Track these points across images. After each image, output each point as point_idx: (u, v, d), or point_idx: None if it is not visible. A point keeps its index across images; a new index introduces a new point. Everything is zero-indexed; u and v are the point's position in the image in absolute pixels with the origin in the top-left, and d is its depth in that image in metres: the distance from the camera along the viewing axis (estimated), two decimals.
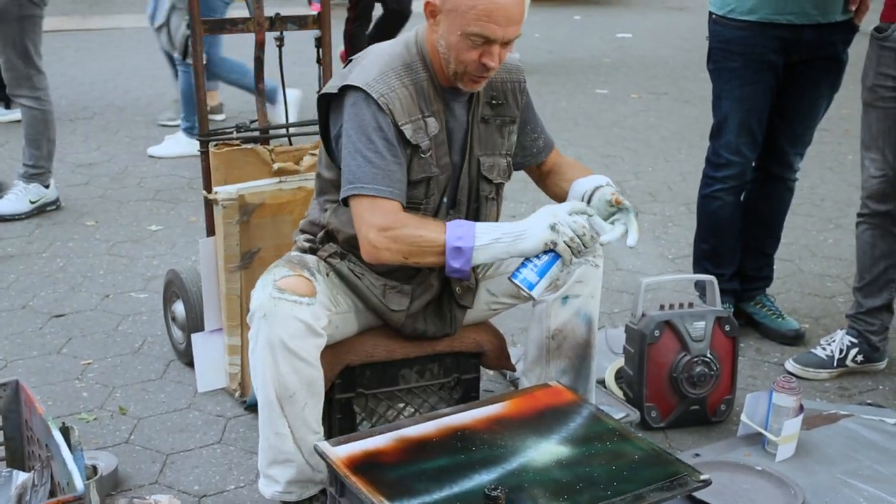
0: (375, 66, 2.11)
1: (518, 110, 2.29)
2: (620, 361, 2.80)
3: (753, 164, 3.13)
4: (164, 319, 3.07)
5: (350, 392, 2.33)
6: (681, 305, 2.68)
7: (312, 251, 2.27)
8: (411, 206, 2.16)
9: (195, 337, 2.79)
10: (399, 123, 2.08)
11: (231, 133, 2.78)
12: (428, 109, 2.13)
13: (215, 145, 2.69)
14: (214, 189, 2.65)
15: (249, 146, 2.71)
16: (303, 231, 2.33)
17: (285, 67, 2.86)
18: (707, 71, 3.12)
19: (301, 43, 4.51)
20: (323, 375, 2.14)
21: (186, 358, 2.91)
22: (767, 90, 2.99)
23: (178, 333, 2.97)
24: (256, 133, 2.80)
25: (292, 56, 3.13)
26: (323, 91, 2.20)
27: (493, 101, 2.23)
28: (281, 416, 2.10)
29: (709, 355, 2.62)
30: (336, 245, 2.24)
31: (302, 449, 2.11)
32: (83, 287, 3.54)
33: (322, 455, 1.92)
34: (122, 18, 9.57)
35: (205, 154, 2.71)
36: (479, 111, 2.21)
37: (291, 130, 2.87)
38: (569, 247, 2.01)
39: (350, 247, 2.21)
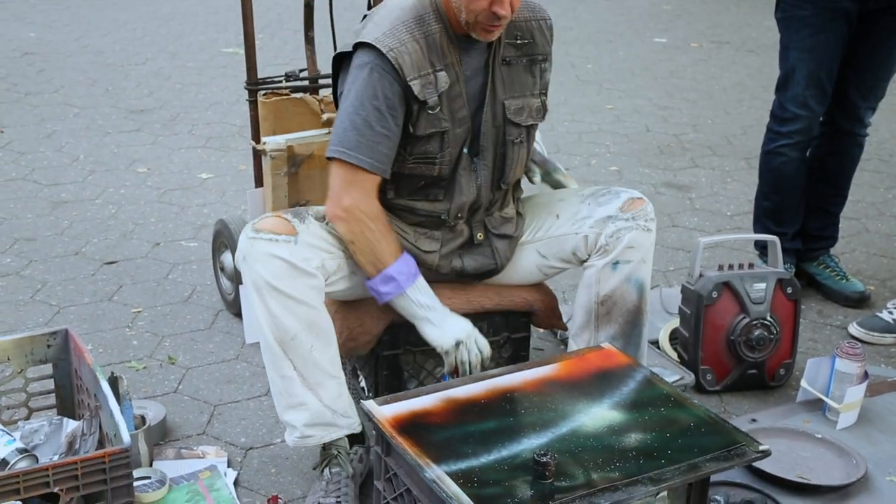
0: (387, 21, 2.07)
1: (548, 46, 2.23)
2: (675, 322, 2.72)
3: (821, 118, 3.00)
4: (213, 269, 3.05)
5: (396, 349, 2.29)
6: (740, 266, 2.59)
7: None
8: (425, 161, 2.11)
9: (243, 288, 2.76)
10: (407, 78, 2.03)
11: (280, 82, 2.72)
12: (440, 62, 2.08)
13: (264, 94, 2.64)
14: (263, 139, 2.60)
15: (298, 96, 2.66)
16: None
17: (335, 14, 2.78)
18: (774, 19, 2.98)
19: None
20: (328, 318, 2.09)
21: (235, 308, 2.90)
22: (839, 40, 2.85)
23: (226, 284, 2.96)
24: (306, 82, 2.74)
25: (343, 3, 3.05)
26: (338, 51, 2.16)
27: (518, 41, 2.17)
28: (284, 358, 2.06)
29: (769, 318, 2.53)
30: None
31: (317, 392, 2.08)
32: (134, 234, 3.54)
33: (368, 414, 1.88)
34: None
35: (253, 103, 2.66)
36: (499, 53, 2.15)
37: None
38: (454, 365, 2.12)
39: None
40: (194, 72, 5.80)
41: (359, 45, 2.07)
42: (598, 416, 1.90)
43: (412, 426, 1.84)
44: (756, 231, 3.16)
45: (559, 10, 8.14)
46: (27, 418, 2.24)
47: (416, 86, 2.04)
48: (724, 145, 4.74)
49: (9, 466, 1.98)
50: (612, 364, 2.08)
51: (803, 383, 2.49)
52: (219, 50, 6.27)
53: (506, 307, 2.34)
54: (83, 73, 5.75)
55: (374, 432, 1.93)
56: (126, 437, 1.86)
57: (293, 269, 2.01)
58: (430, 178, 2.15)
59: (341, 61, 2.15)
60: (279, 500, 1.91)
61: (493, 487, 1.69)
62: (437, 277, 2.24)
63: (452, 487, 1.67)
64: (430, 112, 2.08)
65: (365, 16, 2.18)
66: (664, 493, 1.83)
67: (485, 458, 1.76)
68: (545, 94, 2.25)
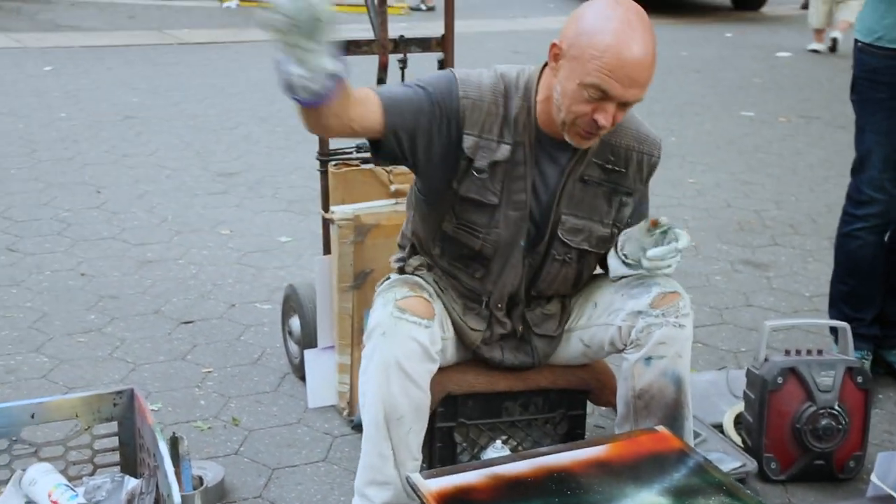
0: (478, 76, 2.09)
1: (640, 184, 2.19)
2: (740, 406, 2.66)
3: None
4: (282, 333, 3.12)
5: (451, 421, 2.30)
6: (808, 352, 2.53)
7: (400, 270, 2.26)
8: (469, 230, 2.11)
9: (308, 353, 2.82)
10: (464, 129, 2.04)
11: (351, 153, 2.80)
12: (509, 137, 2.06)
13: (335, 165, 2.71)
14: (332, 208, 2.67)
15: (368, 167, 2.73)
16: (399, 246, 2.33)
17: None
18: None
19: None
20: (430, 401, 2.11)
21: (300, 372, 2.95)
22: None
23: (293, 348, 3.02)
24: None
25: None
26: None
27: (608, 166, 2.13)
28: (386, 437, 2.08)
29: (837, 408, 2.46)
30: (422, 258, 2.24)
31: (401, 473, 2.09)
32: (212, 295, 3.65)
33: (413, 487, 1.90)
34: None
35: (324, 173, 2.74)
36: (580, 169, 2.12)
37: None
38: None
39: (431, 257, 2.21)
40: (282, 137, 5.99)
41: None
42: (645, 501, 1.87)
43: (456, 501, 1.85)
44: (831, 315, 3.08)
45: None
46: (92, 474, 2.31)
47: (468, 140, 2.04)
48: (806, 223, 4.65)
49: None
50: (664, 448, 2.05)
51: (873, 478, 2.40)
52: None
53: (560, 385, 2.33)
54: (178, 136, 5.98)
55: None
56: (177, 498, 1.91)
57: (424, 354, 2.03)
58: (471, 251, 2.14)
59: None
60: None
61: None
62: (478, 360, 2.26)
63: None
64: (477, 176, 2.06)
65: None
66: None
67: None
68: (618, 228, 2.20)
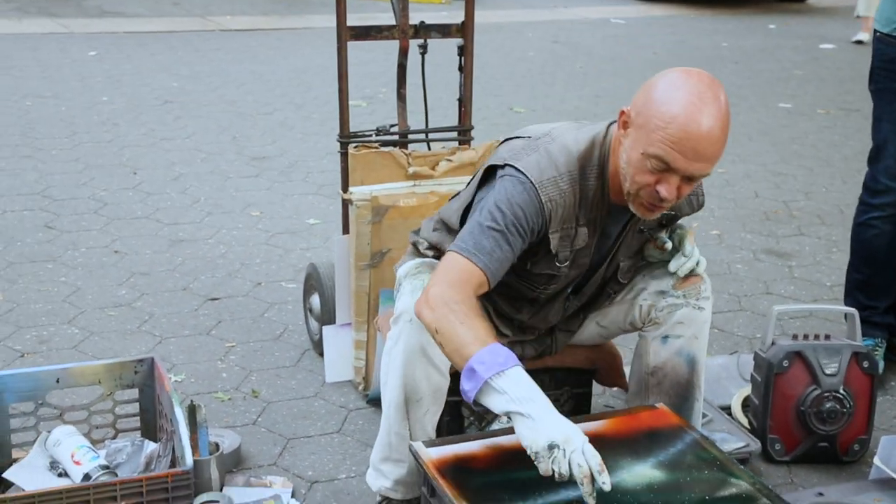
0: (553, 166, 1.99)
1: (682, 214, 2.22)
2: (749, 389, 2.69)
3: None
4: (303, 310, 3.20)
5: (458, 395, 2.35)
6: (816, 336, 2.55)
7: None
8: (528, 285, 2.16)
9: (326, 329, 2.90)
10: (550, 231, 2.01)
11: (371, 136, 2.86)
12: (584, 217, 2.05)
13: (355, 147, 2.79)
14: (350, 189, 2.75)
15: (387, 149, 2.79)
16: (418, 235, 2.37)
17: (427, 74, 2.92)
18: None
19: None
20: (448, 384, 2.16)
21: (320, 349, 3.03)
22: None
23: (314, 325, 3.10)
24: (395, 137, 2.88)
25: (434, 63, 3.19)
26: (491, 163, 2.08)
27: (664, 216, 2.16)
28: (405, 418, 2.13)
29: (842, 391, 2.49)
30: None
31: None
32: (239, 273, 3.74)
33: (415, 455, 1.96)
34: (316, 19, 9.99)
35: (344, 155, 2.81)
36: (639, 222, 2.14)
37: (430, 136, 2.93)
38: (550, 472, 1.72)
39: None
40: (316, 122, 6.08)
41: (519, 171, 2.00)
42: (639, 473, 1.92)
43: (455, 469, 1.91)
44: (847, 304, 3.09)
45: None
46: (113, 438, 2.41)
47: (554, 239, 2.03)
48: (834, 214, 4.64)
49: (91, 481, 2.14)
50: (663, 424, 2.10)
51: (876, 460, 2.42)
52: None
53: (567, 364, 2.38)
54: (215, 121, 6.10)
55: (421, 473, 2.01)
56: (189, 461, 1.99)
57: None
58: (524, 298, 2.21)
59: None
60: None
61: None
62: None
63: None
64: (559, 265, 2.09)
65: (528, 137, 2.09)
66: None
67: None
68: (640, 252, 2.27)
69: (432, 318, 1.89)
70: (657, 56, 8.88)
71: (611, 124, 2.06)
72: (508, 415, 1.78)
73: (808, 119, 6.72)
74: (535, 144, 2.04)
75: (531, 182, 1.97)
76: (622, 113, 1.97)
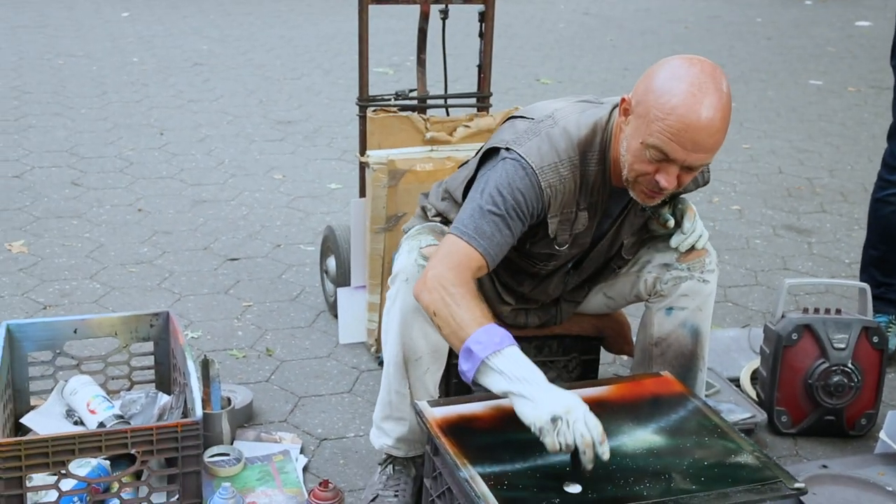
0: (554, 151, 2.00)
1: (686, 190, 2.21)
2: (758, 362, 2.70)
3: None
4: (320, 272, 3.24)
5: None
6: (826, 311, 2.55)
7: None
8: (529, 261, 2.18)
9: (341, 291, 2.94)
10: (549, 215, 2.03)
11: (389, 100, 2.88)
12: (585, 202, 2.07)
13: (373, 110, 2.81)
14: (368, 152, 2.77)
15: (406, 114, 2.81)
16: (427, 199, 2.38)
17: (448, 40, 2.93)
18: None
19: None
20: (448, 344, 2.20)
21: (335, 310, 3.07)
22: None
23: (329, 286, 3.14)
24: (414, 101, 2.90)
25: (454, 28, 3.19)
26: (492, 145, 2.09)
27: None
28: (404, 377, 2.17)
29: (850, 365, 2.49)
30: None
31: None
32: (259, 235, 3.79)
33: (419, 414, 2.00)
34: None
35: (362, 118, 2.83)
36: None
37: (449, 102, 2.94)
38: (557, 447, 1.74)
39: None
40: (343, 88, 6.10)
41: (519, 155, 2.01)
42: (640, 438, 1.94)
43: (458, 429, 1.94)
44: (862, 280, 3.08)
45: (714, 47, 8.05)
46: (129, 389, 2.47)
47: (552, 223, 2.05)
48: (858, 192, 4.60)
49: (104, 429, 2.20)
50: (666, 391, 2.12)
51: (882, 435, 2.43)
52: (370, 69, 6.55)
53: (575, 332, 2.40)
54: (243, 84, 6.14)
55: (425, 431, 2.04)
56: (199, 412, 2.04)
57: None
58: (526, 272, 2.24)
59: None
60: (329, 485, 2.04)
61: (522, 492, 1.77)
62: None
63: (482, 487, 1.76)
64: (558, 248, 2.11)
65: (530, 118, 2.08)
66: None
67: (520, 465, 1.84)
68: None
69: (430, 301, 1.91)
70: (688, 31, 8.80)
71: (614, 108, 2.05)
72: (507, 395, 1.80)
73: (838, 96, 6.65)
74: (537, 128, 2.04)
75: (532, 168, 1.98)
76: (623, 100, 1.97)
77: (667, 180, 1.91)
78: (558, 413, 1.73)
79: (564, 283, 2.28)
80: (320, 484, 2.05)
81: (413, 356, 2.14)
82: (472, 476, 1.79)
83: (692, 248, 2.22)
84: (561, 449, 1.74)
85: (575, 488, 1.77)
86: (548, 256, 2.16)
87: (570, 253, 2.17)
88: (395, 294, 2.12)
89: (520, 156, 2.00)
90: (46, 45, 6.92)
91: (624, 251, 2.24)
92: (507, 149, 2.02)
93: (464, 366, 1.85)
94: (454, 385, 2.41)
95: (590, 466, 1.76)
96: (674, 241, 2.20)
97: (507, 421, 1.98)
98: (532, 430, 1.76)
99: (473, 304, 1.88)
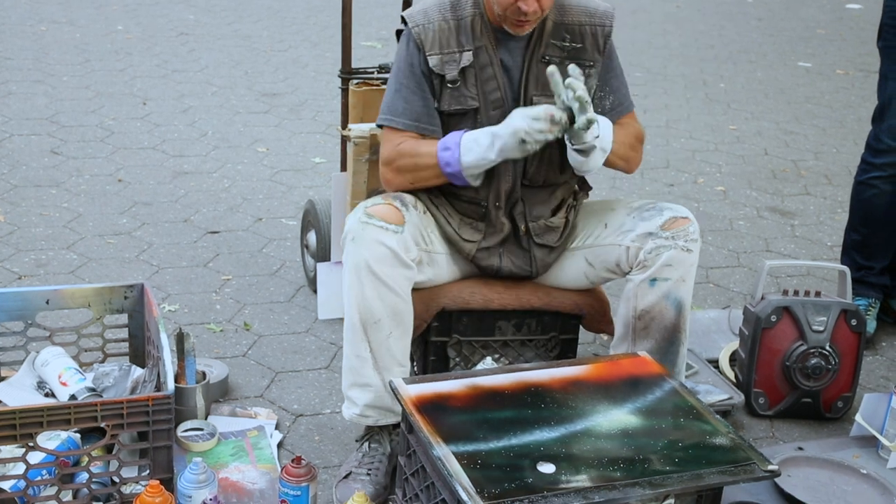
0: (423, 2, 2.24)
1: (598, 54, 2.25)
2: (737, 343, 2.69)
3: None
4: (300, 247, 3.22)
5: (445, 336, 2.38)
6: (807, 293, 2.54)
7: None
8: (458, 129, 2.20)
9: (321, 266, 2.91)
10: (427, 52, 2.18)
11: (372, 73, 2.85)
12: (469, 44, 2.19)
13: (356, 83, 2.77)
14: (349, 126, 2.73)
15: None
16: None
17: None
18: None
19: None
20: (412, 309, 2.18)
21: (314, 285, 3.05)
22: None
23: (309, 261, 3.11)
24: None
25: None
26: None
27: (565, 44, 2.22)
28: (363, 339, 2.15)
29: (828, 348, 2.49)
30: None
31: (383, 376, 2.17)
32: (241, 208, 3.76)
33: (395, 391, 1.98)
34: None
35: (345, 91, 2.79)
36: (539, 51, 2.21)
37: None
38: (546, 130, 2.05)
39: None
40: (330, 61, 6.04)
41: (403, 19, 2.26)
42: (615, 418, 1.94)
43: (433, 407, 1.93)
44: (843, 263, 3.07)
45: (705, 27, 8.02)
46: (102, 362, 2.44)
47: (433, 59, 2.18)
48: (842, 175, 4.60)
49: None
50: (643, 372, 2.11)
51: (857, 417, 2.43)
52: (358, 42, 6.48)
53: (554, 307, 2.39)
54: (228, 55, 6.08)
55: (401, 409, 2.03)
56: (171, 386, 2.02)
57: (395, 258, 2.10)
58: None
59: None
60: (302, 461, 2.03)
61: (495, 471, 1.75)
62: (476, 272, 2.33)
63: (455, 466, 1.75)
64: (451, 87, 2.19)
65: None
66: (672, 502, 1.85)
67: (494, 444, 1.83)
68: None
69: (401, 181, 2.22)
70: (679, 10, 8.76)
71: None
72: (494, 153, 2.11)
73: (826, 79, 6.63)
74: None
75: (404, 21, 2.24)
76: None
77: (526, 4, 2.08)
78: (518, 127, 2.06)
79: (512, 168, 2.23)
80: (293, 460, 2.03)
81: (371, 318, 2.12)
82: (446, 455, 1.77)
83: (676, 218, 2.20)
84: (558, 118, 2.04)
85: (548, 468, 1.76)
86: (472, 121, 2.20)
87: (489, 115, 2.20)
88: (346, 257, 2.14)
89: (403, 17, 2.25)
90: (29, 11, 6.83)
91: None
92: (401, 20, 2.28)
93: (449, 168, 2.16)
94: (432, 363, 2.40)
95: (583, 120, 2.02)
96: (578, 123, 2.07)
97: (483, 399, 1.97)
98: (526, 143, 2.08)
99: (421, 145, 2.19)
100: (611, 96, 2.30)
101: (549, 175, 2.28)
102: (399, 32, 2.30)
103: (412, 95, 2.20)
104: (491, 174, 2.23)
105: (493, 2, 2.14)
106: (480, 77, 2.20)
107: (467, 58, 2.19)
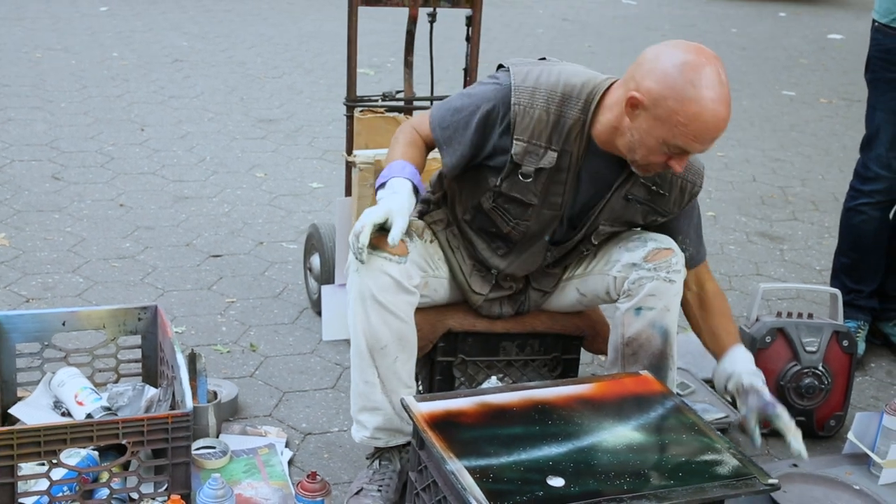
0: (537, 80, 2.13)
1: (677, 208, 2.28)
2: None
3: None
4: (303, 270, 3.28)
5: (451, 356, 2.44)
6: (799, 315, 2.63)
7: (421, 214, 2.39)
8: (503, 215, 2.24)
9: (325, 289, 2.98)
10: (515, 136, 2.13)
11: (377, 101, 2.93)
12: (557, 144, 2.14)
13: (360, 111, 2.85)
14: (355, 152, 2.81)
15: (392, 115, 2.86)
16: (429, 192, 2.45)
17: (434, 44, 2.98)
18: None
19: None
20: (415, 332, 2.24)
21: (318, 307, 3.11)
22: None
23: (313, 284, 3.18)
24: (401, 103, 2.95)
25: (441, 32, 3.25)
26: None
27: (653, 188, 2.23)
28: (371, 365, 2.20)
29: (821, 368, 2.57)
30: (445, 212, 2.35)
31: (392, 399, 2.23)
32: (242, 232, 3.82)
33: (406, 408, 2.04)
34: None
35: (350, 118, 2.87)
36: (627, 187, 2.22)
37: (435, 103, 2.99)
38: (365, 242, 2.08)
39: (455, 216, 2.32)
40: (325, 88, 6.14)
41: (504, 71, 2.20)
42: (619, 434, 2.00)
43: (444, 423, 1.99)
44: (833, 286, 3.16)
45: None
46: (116, 382, 2.49)
47: (517, 146, 2.13)
48: (829, 201, 4.71)
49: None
50: (645, 390, 2.18)
51: (850, 436, 2.51)
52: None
53: (556, 330, 2.46)
54: (224, 81, 6.16)
55: (412, 426, 2.09)
56: (189, 404, 2.07)
57: (398, 287, 2.14)
58: (500, 231, 2.28)
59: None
60: (317, 476, 2.08)
61: (506, 485, 1.82)
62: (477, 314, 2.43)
63: (468, 479, 1.81)
64: (522, 179, 2.17)
65: (543, 58, 2.27)
66: None
67: (504, 459, 1.89)
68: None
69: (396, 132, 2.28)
70: (665, 38, 8.92)
71: (609, 81, 2.15)
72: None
73: (810, 107, 6.77)
74: (540, 62, 2.21)
75: (510, 83, 2.13)
76: (632, 97, 2.02)
77: (679, 165, 2.06)
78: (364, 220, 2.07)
79: (543, 258, 2.32)
80: (308, 476, 2.09)
81: (377, 344, 2.17)
82: (459, 469, 1.84)
83: (660, 250, 2.28)
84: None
85: (558, 482, 1.82)
86: (521, 210, 2.21)
87: (542, 214, 2.22)
88: (350, 286, 2.18)
89: (508, 71, 2.17)
90: (24, 38, 6.89)
91: (595, 236, 2.29)
92: (503, 64, 2.21)
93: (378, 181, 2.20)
94: (438, 382, 2.46)
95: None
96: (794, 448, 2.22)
97: (492, 416, 2.03)
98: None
99: (402, 148, 2.22)
100: (691, 248, 2.34)
101: (569, 260, 2.39)
102: (499, 67, 2.24)
103: (462, 119, 2.17)
104: (515, 257, 2.31)
105: (634, 149, 2.07)
106: (552, 179, 2.18)
107: (549, 159, 2.14)
